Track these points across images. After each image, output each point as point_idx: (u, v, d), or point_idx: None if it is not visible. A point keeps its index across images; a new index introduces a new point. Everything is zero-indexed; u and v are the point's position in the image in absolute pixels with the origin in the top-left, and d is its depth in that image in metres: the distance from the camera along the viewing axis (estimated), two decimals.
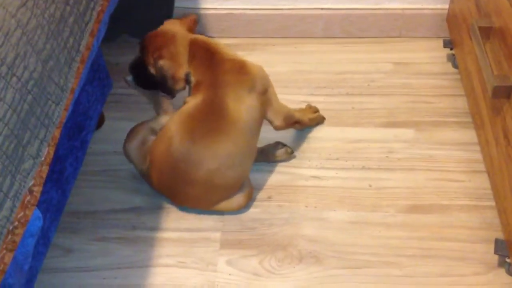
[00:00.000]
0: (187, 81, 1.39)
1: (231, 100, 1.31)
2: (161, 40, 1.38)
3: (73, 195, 1.44)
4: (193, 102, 1.34)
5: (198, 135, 1.30)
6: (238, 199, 1.38)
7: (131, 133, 1.44)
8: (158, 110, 1.48)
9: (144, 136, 1.43)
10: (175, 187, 1.35)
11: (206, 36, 1.43)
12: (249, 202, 1.40)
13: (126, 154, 1.43)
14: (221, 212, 1.39)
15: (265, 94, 1.38)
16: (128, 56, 1.84)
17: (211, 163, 1.30)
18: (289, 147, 1.51)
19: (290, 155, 1.51)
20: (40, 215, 0.93)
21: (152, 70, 1.40)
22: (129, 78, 1.48)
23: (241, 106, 1.32)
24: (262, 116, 1.39)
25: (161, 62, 1.36)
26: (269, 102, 1.40)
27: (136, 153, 1.41)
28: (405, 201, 1.39)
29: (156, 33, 1.41)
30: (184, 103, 1.37)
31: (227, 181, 1.33)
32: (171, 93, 1.42)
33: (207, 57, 1.37)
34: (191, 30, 1.44)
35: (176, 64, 1.37)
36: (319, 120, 1.60)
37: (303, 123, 1.54)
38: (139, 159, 1.41)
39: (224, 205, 1.38)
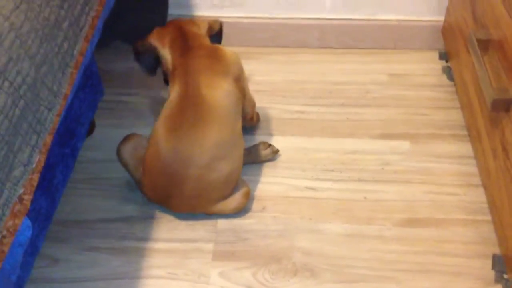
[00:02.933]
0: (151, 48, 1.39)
1: (205, 87, 1.29)
2: None
3: (62, 203, 1.41)
4: (170, 97, 1.32)
5: (181, 131, 1.27)
6: (236, 199, 1.36)
7: (126, 137, 1.42)
8: None
9: (138, 142, 1.40)
10: (169, 193, 1.32)
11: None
12: (247, 202, 1.37)
13: (120, 157, 1.40)
14: (214, 222, 1.36)
15: (239, 81, 1.37)
16: (121, 63, 1.83)
17: (200, 158, 1.27)
18: (273, 146, 1.51)
19: (276, 154, 1.51)
20: (30, 224, 0.90)
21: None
22: None
23: (217, 92, 1.30)
24: (240, 102, 1.37)
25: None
26: (243, 90, 1.39)
27: (130, 157, 1.39)
28: (401, 214, 1.37)
29: None
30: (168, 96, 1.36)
31: (220, 174, 1.30)
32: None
33: (183, 42, 1.36)
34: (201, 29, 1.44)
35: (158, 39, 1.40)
36: (258, 121, 1.60)
37: (253, 122, 1.55)
38: (134, 165, 1.39)
39: (223, 206, 1.35)
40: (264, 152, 1.50)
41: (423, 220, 1.36)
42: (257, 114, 1.60)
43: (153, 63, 1.42)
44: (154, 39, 1.41)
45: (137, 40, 1.43)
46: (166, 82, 1.45)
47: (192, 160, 1.27)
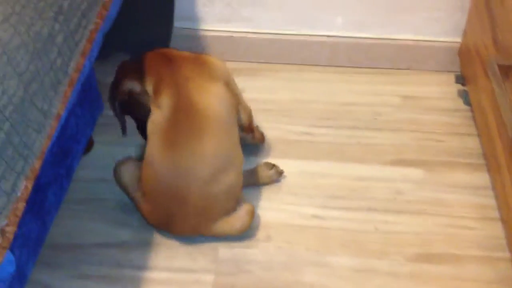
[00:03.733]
0: (129, 93, 1.34)
1: (196, 94, 1.23)
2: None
3: (53, 225, 1.32)
4: (159, 113, 1.25)
5: (178, 146, 1.20)
6: (240, 218, 1.28)
7: (123, 159, 1.34)
8: None
9: (136, 163, 1.33)
10: (172, 212, 1.24)
11: None
12: (252, 221, 1.29)
13: (118, 177, 1.33)
14: (215, 251, 1.28)
15: (229, 86, 1.31)
16: None
17: (201, 172, 1.20)
18: (278, 166, 1.44)
19: (281, 175, 1.43)
20: (13, 259, 0.82)
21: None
22: None
23: (209, 98, 1.24)
24: (235, 108, 1.31)
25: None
26: (236, 96, 1.33)
27: (129, 178, 1.31)
28: (414, 249, 1.28)
29: None
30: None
31: (223, 187, 1.23)
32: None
33: (164, 60, 1.31)
34: None
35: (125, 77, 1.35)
36: (263, 141, 1.52)
37: (254, 136, 1.47)
38: (133, 186, 1.31)
39: (228, 227, 1.27)
40: (268, 173, 1.42)
41: (438, 256, 1.27)
42: (262, 134, 1.52)
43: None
44: (129, 79, 1.35)
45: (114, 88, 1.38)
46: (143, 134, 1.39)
47: (194, 175, 1.20)
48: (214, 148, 1.21)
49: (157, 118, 1.25)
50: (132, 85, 1.33)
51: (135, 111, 1.39)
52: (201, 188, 1.21)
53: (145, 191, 1.26)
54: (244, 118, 1.38)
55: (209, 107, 1.23)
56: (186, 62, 1.29)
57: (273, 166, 1.44)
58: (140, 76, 1.32)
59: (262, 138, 1.52)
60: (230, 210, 1.28)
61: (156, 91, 1.27)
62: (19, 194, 0.84)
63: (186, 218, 1.25)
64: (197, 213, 1.24)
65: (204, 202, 1.23)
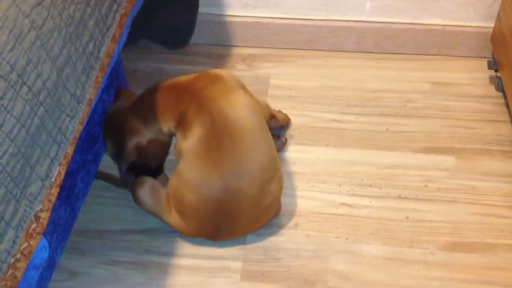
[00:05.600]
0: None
1: (227, 109, 1.19)
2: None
3: (81, 212, 1.33)
4: (193, 137, 1.20)
5: (225, 165, 1.17)
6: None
7: (139, 181, 1.29)
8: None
9: (152, 181, 1.29)
10: (219, 230, 1.22)
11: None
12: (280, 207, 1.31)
13: (140, 203, 1.28)
14: (243, 238, 1.27)
15: (246, 89, 1.29)
16: (147, 63, 1.74)
17: (252, 188, 1.18)
18: (282, 137, 1.47)
19: (286, 143, 1.48)
20: (47, 244, 0.82)
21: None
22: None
23: (238, 109, 1.20)
24: (260, 109, 1.28)
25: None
26: (252, 95, 1.31)
27: (151, 200, 1.27)
28: (446, 237, 1.26)
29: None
30: (177, 148, 1.25)
31: (272, 196, 1.23)
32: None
33: (175, 92, 1.25)
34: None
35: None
36: (288, 121, 1.53)
37: (277, 120, 1.47)
38: (157, 206, 1.27)
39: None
40: (277, 145, 1.43)
41: (470, 245, 1.25)
42: (285, 114, 1.52)
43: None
44: (129, 136, 1.29)
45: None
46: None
47: (245, 192, 1.18)
48: (260, 162, 1.19)
49: (187, 143, 1.21)
50: (136, 140, 1.29)
51: (148, 161, 1.33)
52: (252, 204, 1.20)
53: (183, 212, 1.23)
54: (265, 114, 1.36)
55: (244, 119, 1.19)
56: (200, 83, 1.24)
57: (278, 137, 1.45)
58: (142, 121, 1.28)
59: (286, 118, 1.52)
60: (273, 214, 1.28)
61: (182, 123, 1.23)
62: (53, 179, 0.83)
63: (233, 231, 1.24)
64: (246, 226, 1.24)
65: (254, 217, 1.23)
